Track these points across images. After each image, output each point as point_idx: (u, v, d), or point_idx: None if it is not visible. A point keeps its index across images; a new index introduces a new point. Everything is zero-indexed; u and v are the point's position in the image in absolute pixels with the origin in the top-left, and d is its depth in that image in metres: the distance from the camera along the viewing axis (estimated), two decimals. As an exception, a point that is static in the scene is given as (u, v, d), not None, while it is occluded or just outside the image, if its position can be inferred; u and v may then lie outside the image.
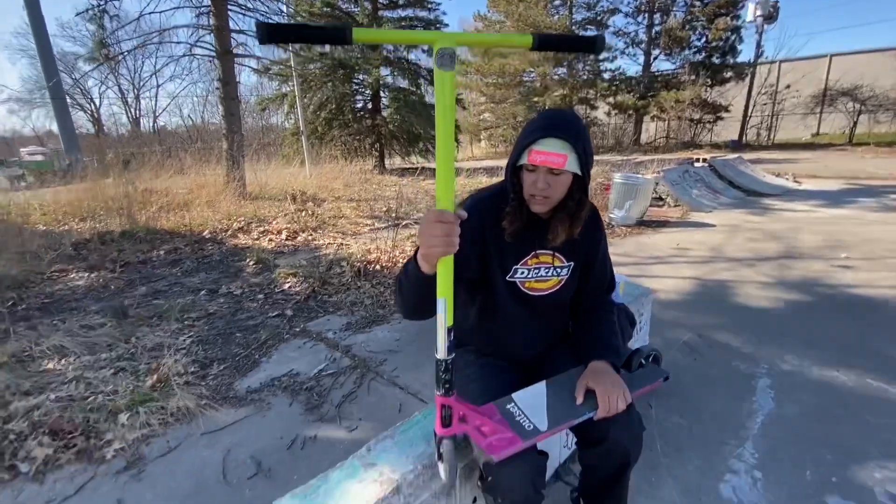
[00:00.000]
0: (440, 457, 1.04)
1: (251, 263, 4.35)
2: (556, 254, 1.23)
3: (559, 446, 1.72)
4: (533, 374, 1.27)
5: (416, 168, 11.95)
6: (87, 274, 4.19)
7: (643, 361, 1.27)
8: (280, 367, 2.52)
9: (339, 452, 1.85)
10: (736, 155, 9.80)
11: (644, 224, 5.71)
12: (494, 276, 1.22)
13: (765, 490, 1.60)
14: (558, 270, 1.25)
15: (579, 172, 1.08)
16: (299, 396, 2.24)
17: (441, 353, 0.98)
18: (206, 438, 1.97)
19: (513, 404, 1.10)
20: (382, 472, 1.08)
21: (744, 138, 19.25)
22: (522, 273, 1.23)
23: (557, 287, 1.26)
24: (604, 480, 1.23)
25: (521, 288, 1.24)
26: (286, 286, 3.72)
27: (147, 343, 2.76)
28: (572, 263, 1.26)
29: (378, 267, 4.04)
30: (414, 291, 1.05)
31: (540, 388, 1.16)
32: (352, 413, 2.11)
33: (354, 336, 2.87)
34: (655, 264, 4.19)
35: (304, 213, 6.15)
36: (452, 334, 0.98)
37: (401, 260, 4.25)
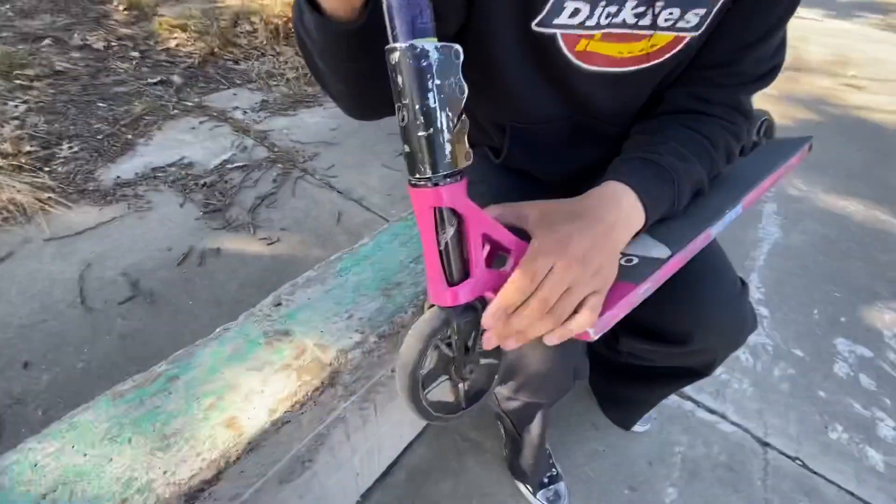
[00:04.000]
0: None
1: (120, 7, 3.04)
2: None
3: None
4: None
5: None
6: None
7: (757, 138, 0.73)
8: (165, 152, 1.80)
9: (254, 272, 1.37)
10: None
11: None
12: (496, 24, 0.49)
13: (771, 329, 1.39)
14: (671, 15, 0.47)
15: None
16: (195, 194, 1.61)
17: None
18: (53, 246, 1.37)
19: None
20: (302, 350, 0.58)
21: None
22: (572, 14, 0.47)
23: (666, 55, 0.51)
24: (639, 374, 0.78)
25: (567, 52, 0.50)
26: (172, 43, 2.64)
27: (-50, 106, 1.84)
28: (719, 4, 0.48)
29: (306, 30, 2.97)
30: (334, 67, 0.43)
31: None
32: (271, 221, 1.56)
33: (273, 119, 2.11)
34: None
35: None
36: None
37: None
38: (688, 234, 0.50)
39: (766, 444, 1.09)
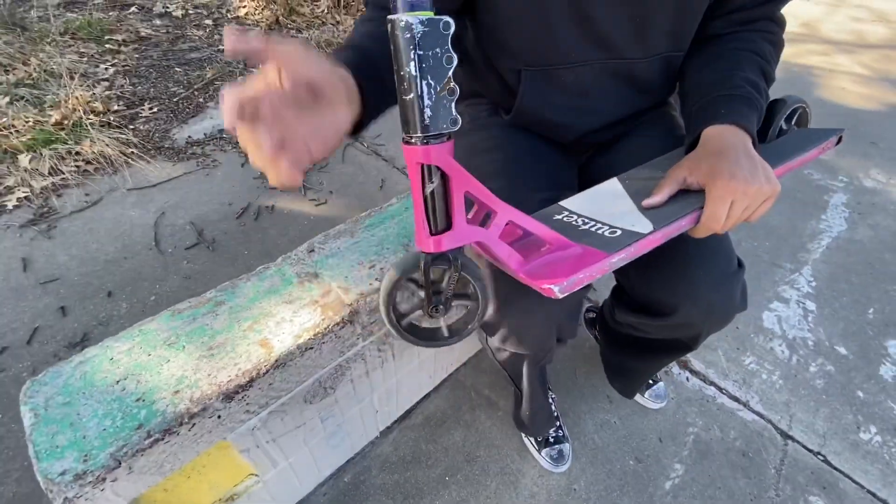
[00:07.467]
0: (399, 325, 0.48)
1: (197, -24, 3.24)
2: None
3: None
4: (592, 168, 0.74)
5: None
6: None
7: (784, 126, 0.66)
8: (230, 116, 1.94)
9: (302, 230, 1.48)
10: None
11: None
12: None
13: (815, 324, 1.32)
14: None
15: None
16: (254, 156, 1.75)
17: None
18: (134, 196, 1.55)
19: (566, 214, 0.58)
20: (328, 290, 0.66)
21: None
22: None
23: None
24: (636, 344, 0.80)
25: None
26: (242, 11, 2.79)
27: (55, 68, 2.08)
28: None
29: (366, -1, 3.02)
30: None
31: (611, 186, 0.63)
32: (321, 184, 1.67)
33: (329, 87, 2.20)
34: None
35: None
36: None
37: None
38: (676, 213, 0.51)
39: (787, 437, 1.07)
